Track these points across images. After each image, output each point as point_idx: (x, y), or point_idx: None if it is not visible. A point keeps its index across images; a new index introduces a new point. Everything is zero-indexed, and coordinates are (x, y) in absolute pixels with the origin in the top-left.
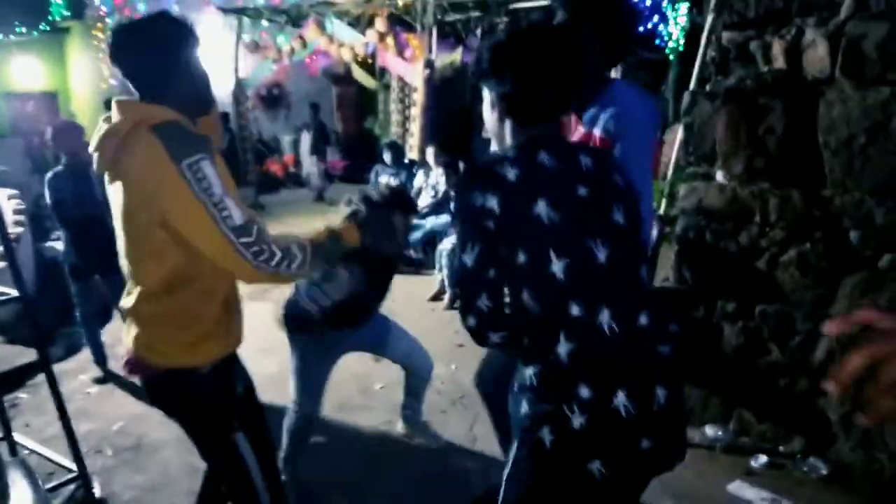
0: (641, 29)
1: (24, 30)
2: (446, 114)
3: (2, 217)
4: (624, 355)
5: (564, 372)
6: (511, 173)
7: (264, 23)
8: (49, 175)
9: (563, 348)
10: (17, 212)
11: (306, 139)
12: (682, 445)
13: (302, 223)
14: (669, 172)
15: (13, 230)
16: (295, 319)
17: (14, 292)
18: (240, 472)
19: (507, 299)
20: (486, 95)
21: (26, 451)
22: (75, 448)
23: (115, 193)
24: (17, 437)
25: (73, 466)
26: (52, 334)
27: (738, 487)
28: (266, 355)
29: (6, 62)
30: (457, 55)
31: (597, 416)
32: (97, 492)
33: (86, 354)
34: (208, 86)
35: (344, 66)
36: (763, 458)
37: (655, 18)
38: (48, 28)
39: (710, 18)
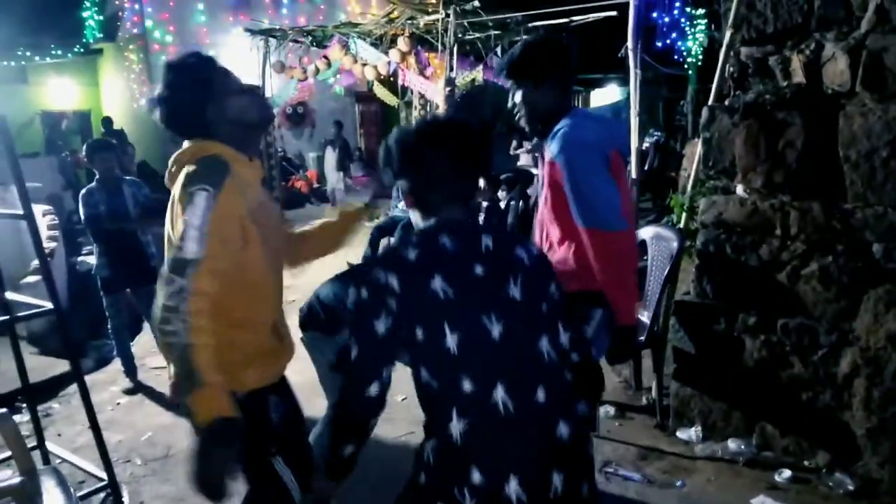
0: (660, 45)
1: (59, 52)
2: None
3: (37, 232)
4: (517, 437)
5: (458, 452)
6: (412, 254)
7: (290, 44)
8: (83, 191)
9: (455, 427)
10: (51, 227)
11: (330, 156)
12: None
13: None
14: (689, 186)
15: (47, 245)
16: (315, 320)
17: (48, 304)
18: (280, 493)
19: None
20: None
21: (58, 460)
22: (105, 458)
23: None
24: (49, 446)
25: (104, 475)
26: (84, 346)
27: (761, 502)
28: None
29: (42, 83)
30: (477, 73)
31: (487, 502)
32: (126, 501)
33: (116, 366)
34: (251, 119)
35: (367, 84)
36: (787, 473)
37: (674, 35)
38: (82, 50)
39: (727, 34)
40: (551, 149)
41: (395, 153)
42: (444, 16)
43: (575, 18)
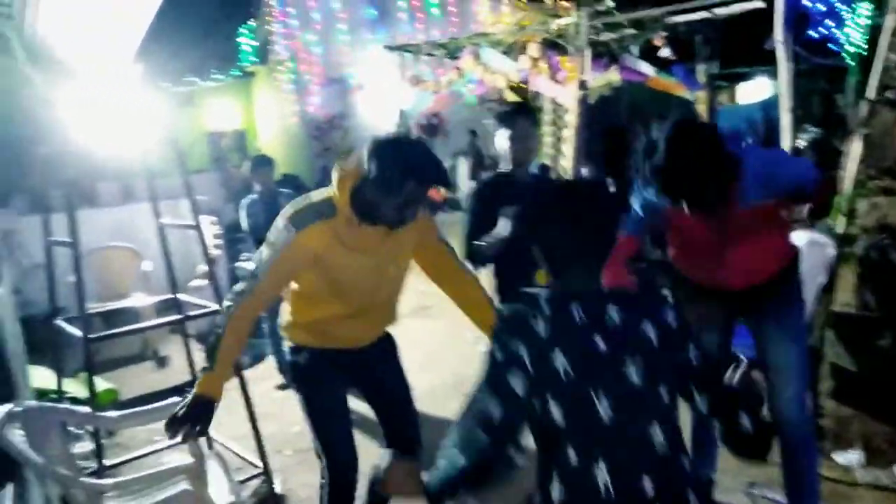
0: (814, 34)
1: (220, 76)
2: (602, 133)
3: (204, 242)
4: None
5: (567, 471)
6: (541, 328)
7: (425, 58)
8: (245, 201)
9: (555, 490)
10: (215, 236)
11: (463, 165)
12: None
13: (459, 242)
14: (847, 187)
15: (212, 252)
16: None
17: (214, 305)
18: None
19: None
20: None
21: (219, 446)
22: (261, 447)
23: None
24: (212, 433)
25: (259, 463)
26: None
27: None
28: (423, 370)
29: (205, 105)
30: (613, 74)
31: None
32: (278, 488)
33: (270, 363)
34: (381, 220)
35: (498, 92)
36: None
37: (830, 23)
38: (239, 73)
39: (891, 19)
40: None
41: (523, 216)
42: (576, 19)
43: (717, 11)
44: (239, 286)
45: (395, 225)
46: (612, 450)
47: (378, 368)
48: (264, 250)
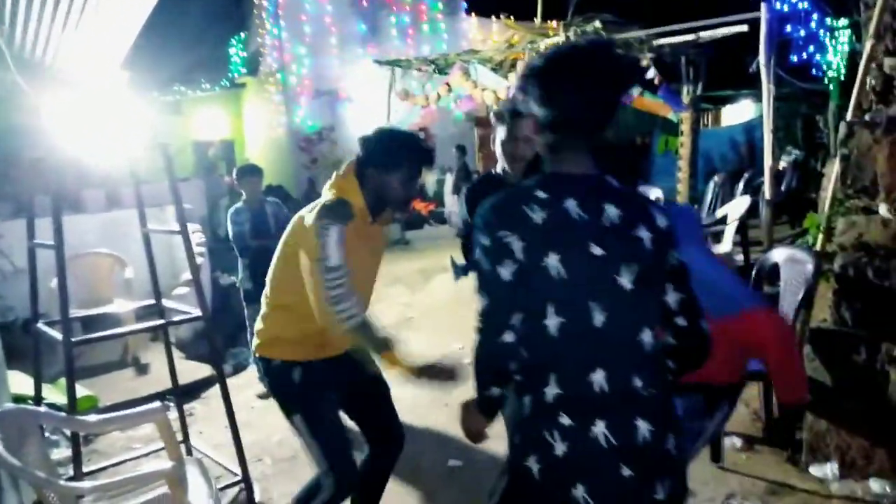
0: (795, 59)
1: (208, 86)
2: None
3: (191, 248)
4: (605, 397)
5: (549, 405)
6: (538, 216)
7: (414, 73)
8: (231, 210)
9: (550, 390)
10: (199, 244)
11: (449, 179)
12: (676, 484)
13: (443, 256)
14: (826, 206)
15: (196, 259)
16: None
17: (196, 312)
18: (302, 440)
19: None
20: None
21: (199, 455)
22: (241, 456)
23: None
24: (192, 441)
25: (238, 471)
26: (223, 353)
27: None
28: (406, 382)
29: (193, 115)
30: None
31: (577, 443)
32: (257, 496)
33: (251, 372)
34: (392, 202)
35: (486, 108)
36: None
37: (811, 48)
38: (228, 84)
39: (868, 45)
40: None
41: (526, 76)
42: (564, 39)
43: (702, 35)
44: (340, 290)
45: (402, 204)
46: (605, 355)
47: (365, 368)
48: (329, 242)
